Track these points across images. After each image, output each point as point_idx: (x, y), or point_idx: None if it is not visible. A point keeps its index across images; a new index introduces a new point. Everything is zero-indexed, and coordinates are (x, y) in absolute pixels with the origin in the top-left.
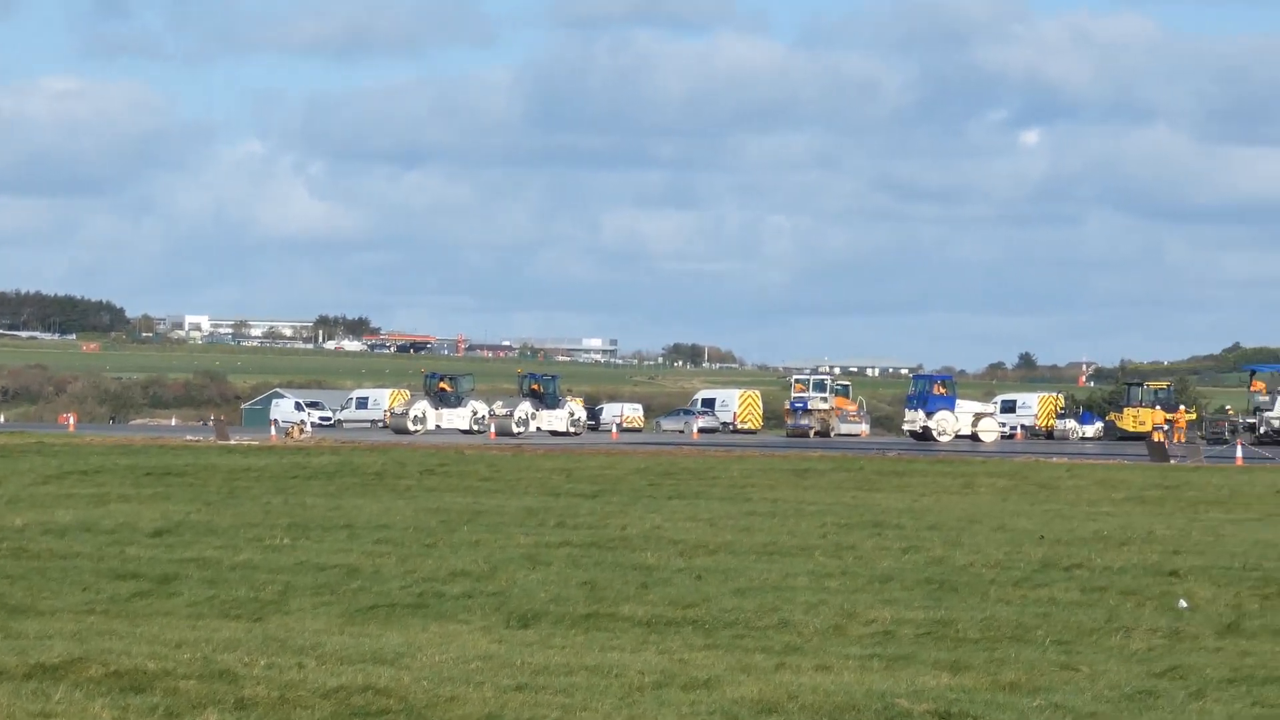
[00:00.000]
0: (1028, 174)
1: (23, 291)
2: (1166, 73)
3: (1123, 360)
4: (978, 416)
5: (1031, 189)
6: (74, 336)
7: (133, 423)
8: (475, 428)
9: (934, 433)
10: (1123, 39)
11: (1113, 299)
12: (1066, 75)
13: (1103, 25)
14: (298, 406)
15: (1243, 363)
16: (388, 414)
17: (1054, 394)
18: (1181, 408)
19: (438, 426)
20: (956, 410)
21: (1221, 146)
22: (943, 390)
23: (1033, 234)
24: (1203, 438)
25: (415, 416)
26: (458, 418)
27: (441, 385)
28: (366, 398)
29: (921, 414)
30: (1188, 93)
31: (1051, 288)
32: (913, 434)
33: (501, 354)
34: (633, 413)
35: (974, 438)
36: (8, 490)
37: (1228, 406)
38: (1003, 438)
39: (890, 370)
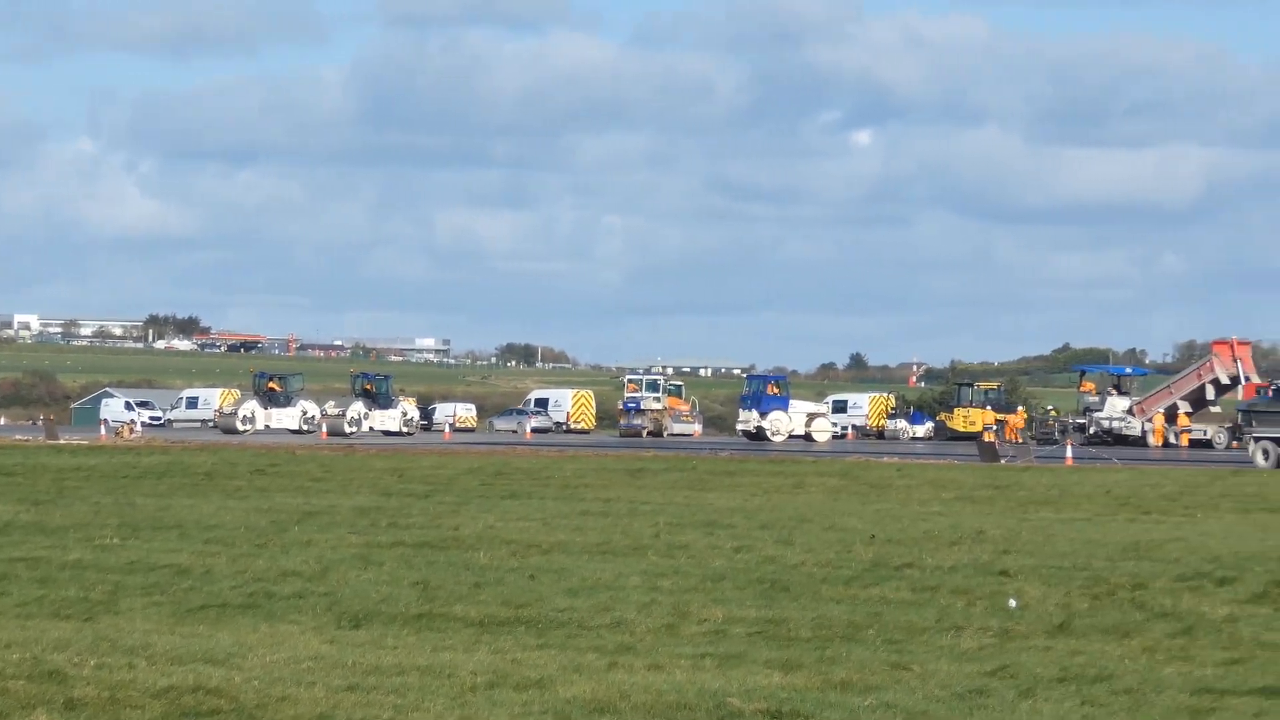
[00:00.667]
0: (860, 175)
1: None
2: (997, 74)
3: (953, 360)
4: (811, 416)
5: (864, 190)
6: None
7: None
8: (305, 427)
9: (768, 433)
10: (954, 40)
11: (944, 299)
12: (899, 76)
13: (934, 26)
14: (128, 406)
15: (1072, 363)
16: (217, 413)
17: (885, 394)
18: (1021, 408)
19: (267, 426)
20: (790, 410)
21: (1052, 148)
22: (777, 390)
23: (865, 235)
24: (1033, 438)
25: (244, 416)
26: (287, 417)
27: (270, 385)
28: (197, 397)
29: (756, 414)
30: (1018, 94)
31: (883, 288)
32: (747, 434)
33: (333, 353)
34: (466, 413)
35: (807, 438)
36: None
37: (1050, 408)
38: (834, 438)
39: (723, 370)
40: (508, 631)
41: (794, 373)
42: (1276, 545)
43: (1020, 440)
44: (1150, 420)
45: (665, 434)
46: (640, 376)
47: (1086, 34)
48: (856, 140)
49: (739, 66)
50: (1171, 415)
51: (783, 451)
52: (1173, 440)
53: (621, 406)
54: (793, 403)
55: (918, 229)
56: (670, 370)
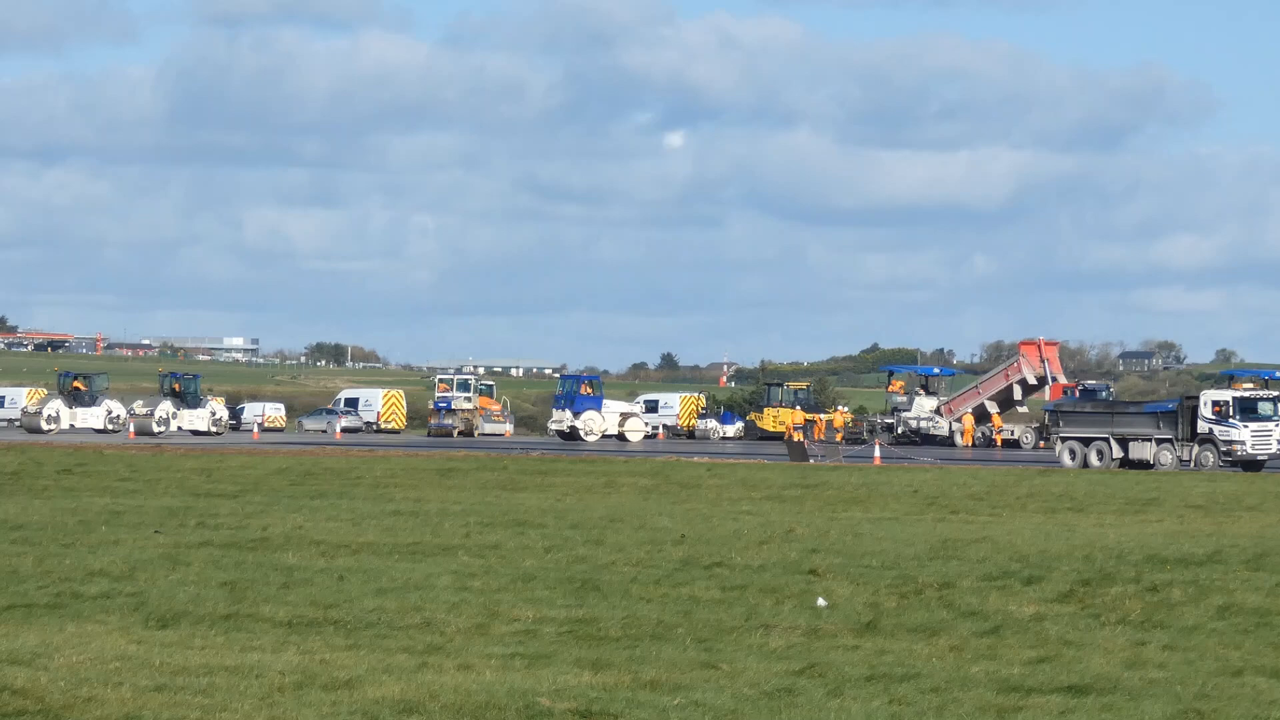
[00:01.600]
0: (672, 176)
1: None
2: (809, 76)
3: (763, 361)
4: (624, 416)
5: (676, 191)
6: None
7: None
8: (110, 427)
9: (581, 432)
10: (766, 43)
11: (754, 300)
12: (711, 78)
13: (747, 28)
14: None
15: (881, 363)
16: (22, 413)
17: (695, 394)
18: (841, 408)
19: (72, 426)
20: (603, 410)
21: (863, 150)
22: (590, 390)
23: (676, 235)
24: (841, 438)
25: (49, 415)
26: (92, 417)
27: (75, 384)
28: (3, 396)
29: (569, 414)
30: (830, 96)
31: (694, 289)
32: (560, 434)
33: (141, 353)
34: (274, 412)
35: (621, 437)
36: None
37: (840, 407)
38: (646, 437)
39: (535, 370)
40: (316, 632)
41: (605, 372)
42: (1082, 545)
43: (828, 440)
44: (959, 420)
45: (476, 434)
46: (451, 376)
47: (897, 36)
48: (668, 141)
49: (551, 67)
50: (981, 415)
51: (595, 451)
52: (981, 439)
53: (432, 406)
54: (606, 402)
55: (729, 230)
56: (481, 370)
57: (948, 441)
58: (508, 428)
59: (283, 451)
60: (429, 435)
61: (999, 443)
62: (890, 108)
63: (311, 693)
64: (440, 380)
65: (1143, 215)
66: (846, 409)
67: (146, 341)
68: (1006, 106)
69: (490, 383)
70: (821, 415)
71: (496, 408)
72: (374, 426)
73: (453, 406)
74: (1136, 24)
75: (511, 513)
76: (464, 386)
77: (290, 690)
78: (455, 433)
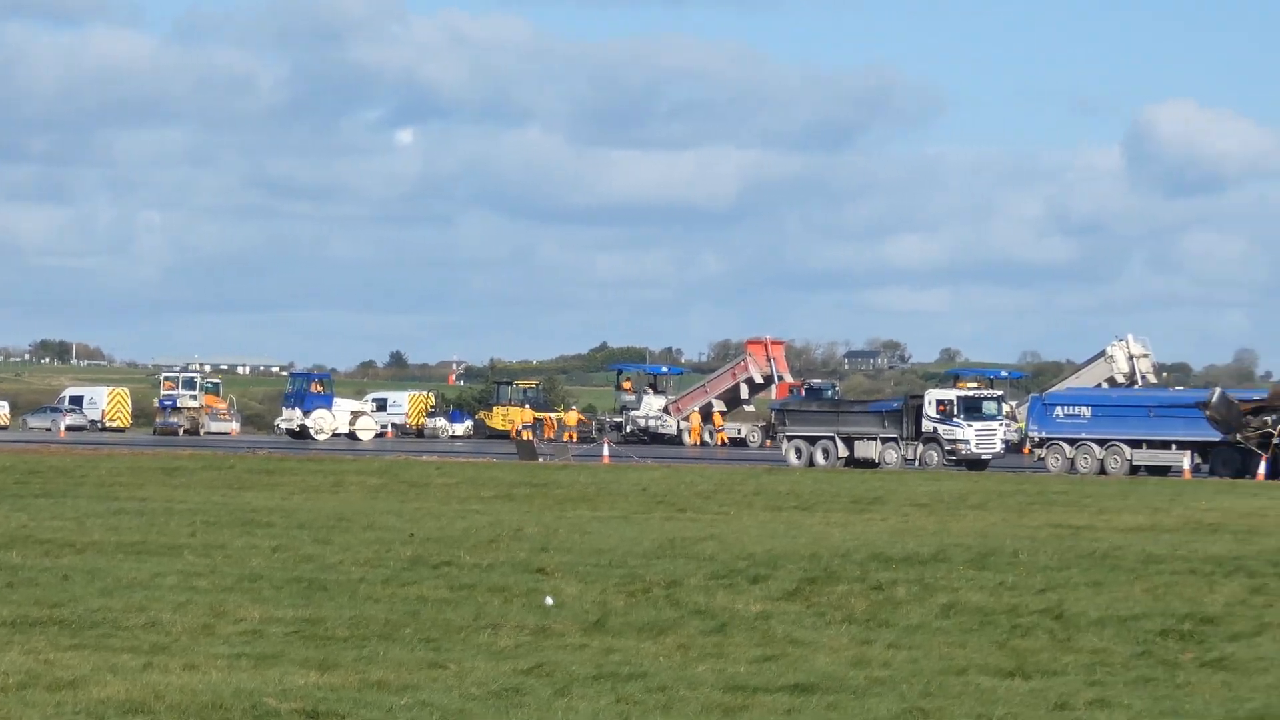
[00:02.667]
0: (403, 173)
1: None
2: (540, 75)
3: (493, 359)
4: (355, 415)
5: (406, 188)
6: None
7: None
8: None
9: (311, 431)
10: (497, 40)
11: (485, 298)
12: (442, 75)
13: (478, 26)
14: None
15: (610, 362)
16: None
17: (424, 392)
18: (575, 408)
19: None
20: (334, 408)
21: (593, 149)
22: (320, 389)
23: (407, 233)
24: (570, 436)
25: None
26: None
27: None
28: None
29: (299, 412)
30: (560, 95)
31: (424, 287)
32: (291, 432)
33: None
34: None
35: (351, 436)
36: None
37: (570, 406)
38: (376, 436)
39: (261, 368)
40: (40, 631)
41: (334, 370)
42: (808, 543)
43: (557, 438)
44: (687, 419)
45: (202, 432)
46: (177, 374)
47: (629, 36)
48: (399, 139)
49: (280, 63)
50: (707, 414)
51: (324, 450)
52: (708, 439)
53: (158, 404)
54: (336, 401)
55: (459, 228)
56: (208, 368)
57: (676, 440)
58: (234, 426)
59: (6, 450)
60: (154, 434)
61: (721, 441)
62: (621, 107)
63: (35, 693)
64: (166, 378)
65: (870, 215)
66: (575, 408)
67: None
68: (736, 106)
69: (217, 381)
70: (551, 414)
71: (223, 406)
72: (99, 424)
73: (178, 405)
74: (866, 25)
75: (238, 512)
76: (190, 384)
77: (14, 690)
78: (181, 431)
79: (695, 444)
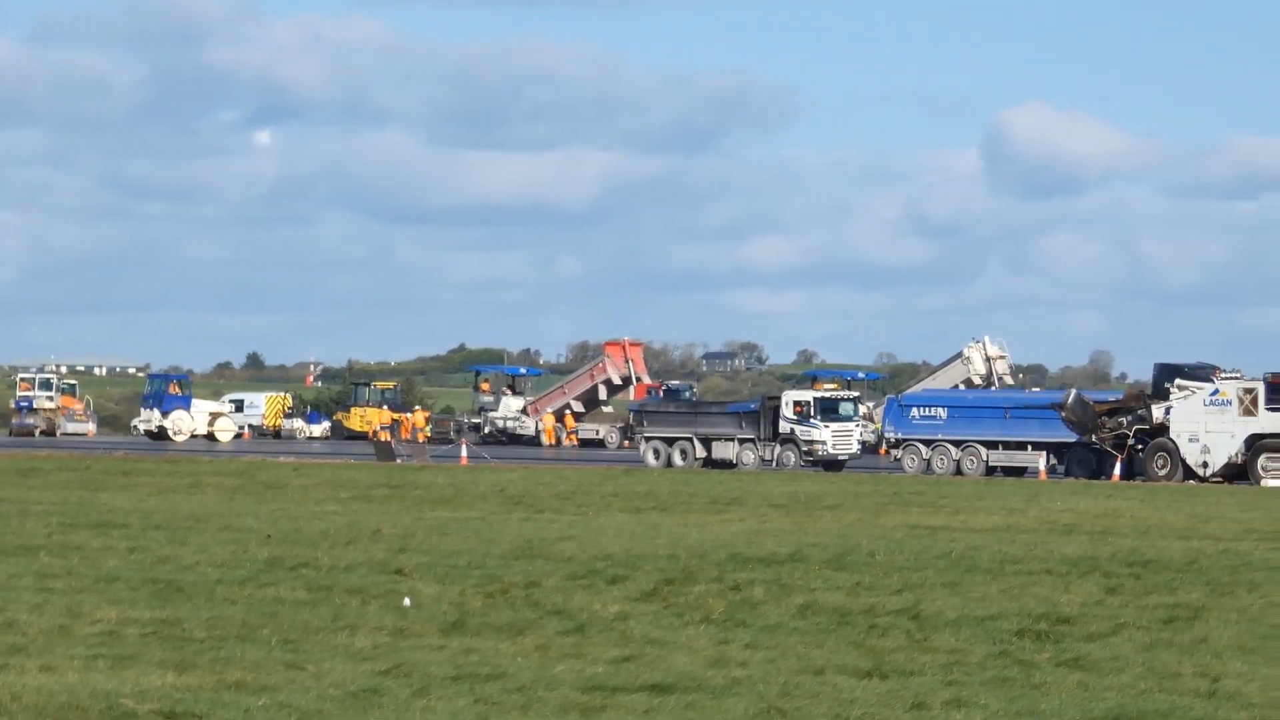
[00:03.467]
0: (260, 174)
1: None
2: (399, 76)
3: (350, 360)
4: (213, 416)
5: (264, 189)
6: None
7: None
8: None
9: (170, 432)
10: (355, 42)
11: (343, 299)
12: (300, 77)
13: (336, 28)
14: None
15: (468, 363)
16: None
17: (282, 393)
18: (419, 409)
19: None
20: (192, 410)
21: (453, 150)
22: (178, 390)
23: (265, 234)
24: (425, 437)
25: None
26: None
27: None
28: None
29: (157, 413)
30: (419, 96)
31: (282, 288)
32: (149, 433)
33: None
34: None
35: (210, 437)
36: None
37: (418, 407)
38: (234, 437)
39: (119, 369)
40: None
41: (191, 371)
42: (666, 543)
43: (414, 439)
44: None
45: (59, 433)
46: (33, 375)
47: (488, 37)
48: (257, 140)
49: (138, 64)
50: (561, 415)
51: (180, 451)
52: (565, 441)
53: (14, 405)
54: (195, 402)
55: (318, 229)
56: (64, 369)
57: (534, 441)
58: (90, 427)
59: None
60: (10, 434)
61: (574, 442)
62: (480, 108)
63: None
64: (22, 379)
65: (728, 217)
66: (424, 409)
67: None
68: (596, 108)
69: (73, 382)
70: (408, 415)
71: (79, 407)
72: None
73: (34, 406)
74: (725, 28)
75: (94, 513)
76: (46, 385)
77: None
78: (37, 432)
79: (551, 444)
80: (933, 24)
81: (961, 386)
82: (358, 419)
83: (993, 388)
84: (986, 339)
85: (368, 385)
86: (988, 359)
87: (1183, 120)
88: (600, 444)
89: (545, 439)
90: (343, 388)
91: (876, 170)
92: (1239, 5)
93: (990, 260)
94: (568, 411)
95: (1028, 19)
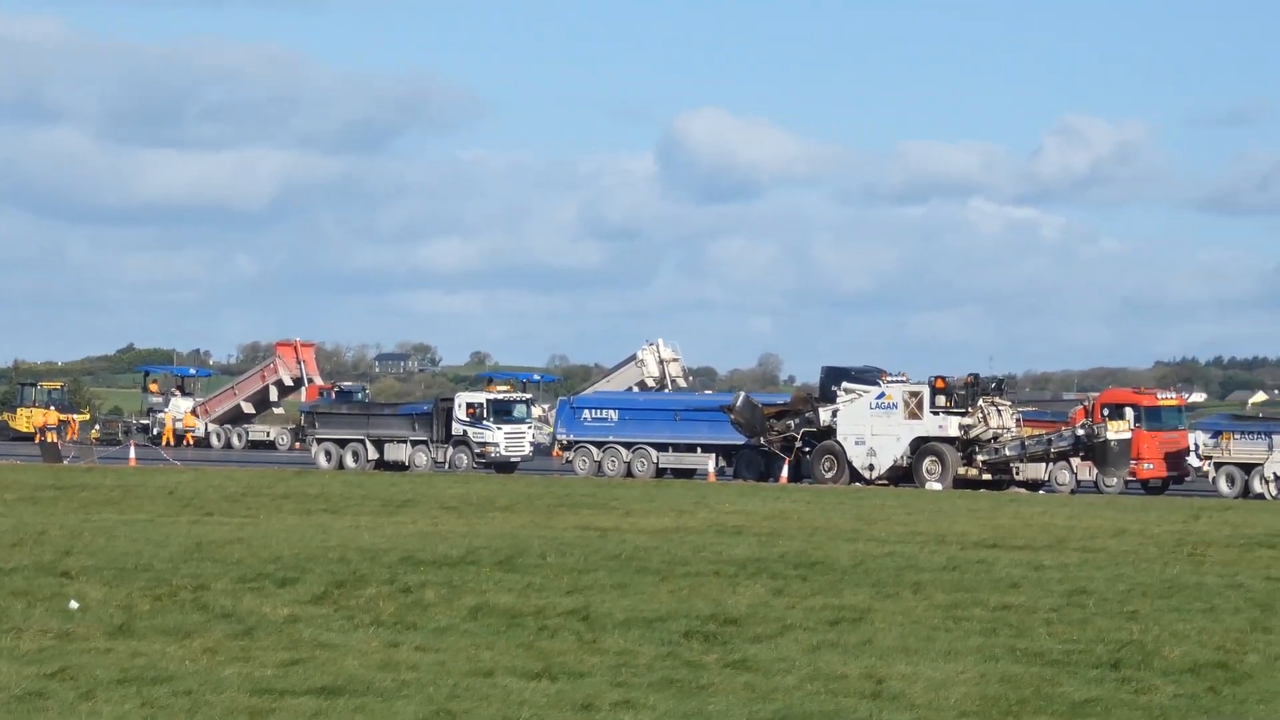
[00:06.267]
0: None
1: None
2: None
3: (16, 360)
4: None
5: None
6: None
7: None
8: None
9: None
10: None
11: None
12: None
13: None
14: None
15: (137, 364)
16: None
17: None
18: (85, 408)
19: None
20: None
21: (126, 148)
22: None
23: None
24: (97, 439)
25: None
26: None
27: None
28: None
29: None
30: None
31: None
32: None
33: None
34: None
35: None
36: None
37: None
38: None
39: None
40: None
41: None
42: (337, 546)
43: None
44: (214, 422)
45: None
46: None
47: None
48: None
49: None
50: (238, 416)
51: None
52: (236, 443)
53: None
54: None
55: None
56: None
57: (204, 443)
58: None
59: None
60: None
61: (190, 442)
62: (156, 107)
63: None
64: None
65: (406, 219)
66: (87, 410)
67: None
68: (275, 108)
69: None
70: (75, 416)
71: None
72: None
73: None
74: (406, 29)
75: None
76: None
77: None
78: None
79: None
80: (613, 28)
81: (636, 389)
82: (24, 420)
83: (667, 390)
84: (661, 341)
85: (34, 385)
86: (662, 361)
87: (856, 127)
88: (271, 445)
89: (165, 438)
90: (8, 388)
91: (555, 173)
92: (910, 16)
93: (665, 264)
94: (248, 412)
95: (707, 25)
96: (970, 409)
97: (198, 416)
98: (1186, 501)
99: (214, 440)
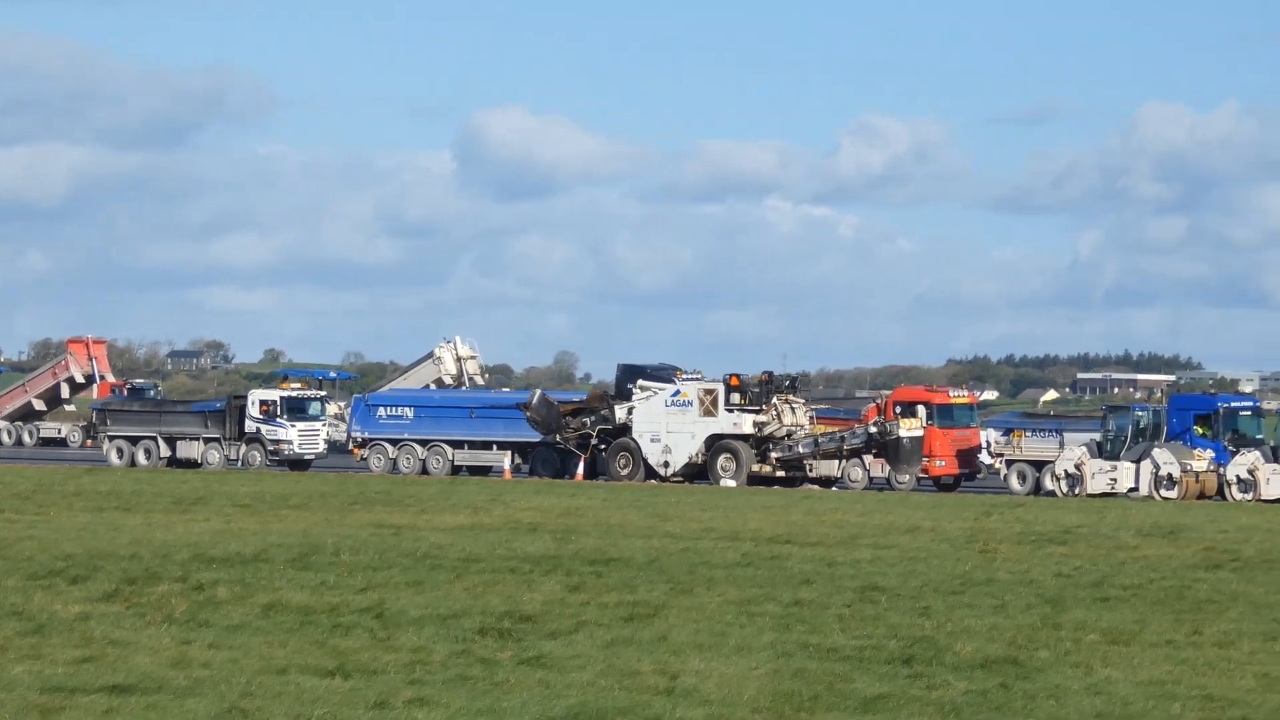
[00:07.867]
0: None
1: None
2: None
3: None
4: None
5: None
6: None
7: None
8: None
9: None
10: None
11: None
12: None
13: None
14: None
15: None
16: None
17: None
18: None
19: None
20: None
21: None
22: None
23: None
24: None
25: None
26: None
27: None
28: None
29: None
30: None
31: None
32: None
33: None
34: None
35: None
36: None
37: None
38: None
39: None
40: None
41: None
42: (129, 543)
43: None
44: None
45: None
46: None
47: None
48: None
49: None
50: (29, 413)
51: None
52: (27, 440)
53: None
54: None
55: None
56: None
57: None
58: None
59: None
60: None
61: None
62: None
63: None
64: None
65: (201, 215)
66: None
67: None
68: (70, 103)
69: None
70: None
71: None
72: None
73: None
74: (203, 24)
75: None
76: None
77: None
78: None
79: None
80: (413, 25)
81: (433, 386)
82: None
83: (464, 388)
84: (458, 339)
85: None
86: (459, 359)
87: (655, 125)
88: (63, 443)
89: None
90: None
91: (353, 169)
92: (709, 15)
93: (462, 261)
94: (40, 409)
95: (506, 23)
96: (764, 406)
97: None
98: (978, 499)
99: (5, 437)
